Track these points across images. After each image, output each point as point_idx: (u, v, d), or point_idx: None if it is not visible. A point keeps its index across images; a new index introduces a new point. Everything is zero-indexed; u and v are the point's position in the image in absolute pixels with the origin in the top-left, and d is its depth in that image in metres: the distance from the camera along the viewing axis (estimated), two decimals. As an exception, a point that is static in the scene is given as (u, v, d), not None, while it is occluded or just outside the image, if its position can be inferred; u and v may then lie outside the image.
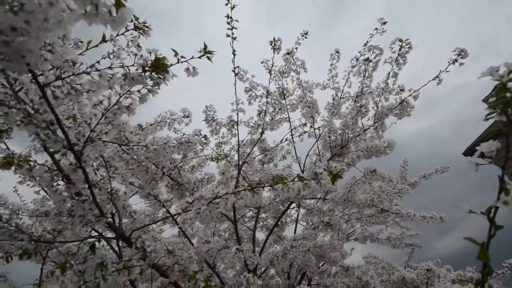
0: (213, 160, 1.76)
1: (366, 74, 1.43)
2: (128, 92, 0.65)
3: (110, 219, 0.87)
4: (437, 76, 1.54)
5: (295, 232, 2.27)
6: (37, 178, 0.74)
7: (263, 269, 1.70)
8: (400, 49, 1.31)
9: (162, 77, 0.66)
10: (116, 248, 1.42)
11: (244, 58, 1.79)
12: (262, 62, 1.86)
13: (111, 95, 0.64)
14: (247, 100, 1.69)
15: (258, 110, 1.94)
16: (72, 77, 0.56)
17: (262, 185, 0.90)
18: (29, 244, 0.84)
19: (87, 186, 0.71)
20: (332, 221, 1.91)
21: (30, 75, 0.52)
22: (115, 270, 0.98)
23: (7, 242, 0.84)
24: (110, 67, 0.62)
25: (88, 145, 0.66)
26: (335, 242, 1.77)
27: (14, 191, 2.36)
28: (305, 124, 2.35)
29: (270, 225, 2.49)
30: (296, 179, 0.89)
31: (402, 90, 1.52)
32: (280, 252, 1.49)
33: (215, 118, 1.54)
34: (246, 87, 1.69)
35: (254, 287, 1.19)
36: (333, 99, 1.67)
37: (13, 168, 1.06)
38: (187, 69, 0.72)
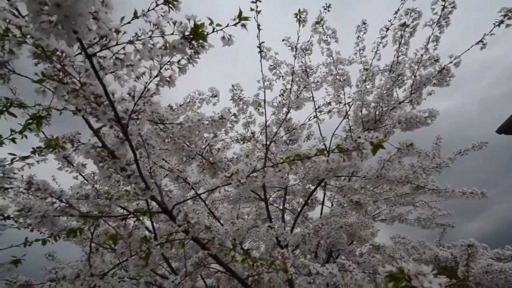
0: (239, 142, 1.75)
1: (402, 41, 1.33)
2: (168, 63, 0.64)
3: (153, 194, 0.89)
4: (481, 40, 1.40)
5: (321, 214, 2.26)
6: (84, 155, 0.76)
7: (292, 247, 1.71)
8: (442, 10, 1.19)
9: (201, 46, 0.64)
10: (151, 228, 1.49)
11: (264, 39, 1.72)
12: (283, 40, 1.79)
13: (152, 67, 0.63)
14: (271, 79, 1.65)
15: (282, 90, 1.89)
16: (116, 46, 0.56)
17: (301, 158, 0.88)
18: (78, 219, 0.88)
19: (133, 159, 0.73)
20: (361, 200, 1.88)
21: (77, 44, 0.52)
22: (158, 243, 1.02)
23: (59, 218, 0.89)
24: (150, 37, 0.61)
25: (132, 119, 0.66)
26: (366, 220, 1.74)
27: (53, 180, 2.52)
28: (329, 103, 2.27)
29: (296, 208, 2.50)
30: (336, 150, 0.86)
31: (436, 60, 1.41)
32: (312, 230, 1.49)
33: (241, 97, 1.51)
34: (270, 65, 1.64)
35: (289, 261, 1.19)
36: (366, 69, 1.57)
37: (55, 150, 1.11)
38: (223, 37, 0.70)
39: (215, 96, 1.32)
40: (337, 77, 1.45)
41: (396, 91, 1.38)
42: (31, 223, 0.86)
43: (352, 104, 1.51)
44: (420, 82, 1.27)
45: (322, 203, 2.26)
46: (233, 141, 1.86)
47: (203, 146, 1.23)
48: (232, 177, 0.85)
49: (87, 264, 1.06)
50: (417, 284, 0.37)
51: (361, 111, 1.39)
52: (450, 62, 1.32)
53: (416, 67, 1.29)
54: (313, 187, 1.55)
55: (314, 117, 2.12)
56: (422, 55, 1.29)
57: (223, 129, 1.35)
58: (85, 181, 1.75)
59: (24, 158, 0.88)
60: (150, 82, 0.65)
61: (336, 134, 2.10)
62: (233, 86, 1.47)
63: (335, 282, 1.24)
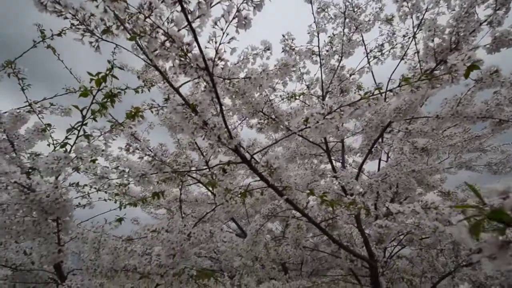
0: (292, 98, 1.72)
1: None
2: (245, 1, 0.62)
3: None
4: None
5: (378, 169, 2.18)
6: (172, 112, 0.82)
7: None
8: None
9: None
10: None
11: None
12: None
13: (230, 7, 0.62)
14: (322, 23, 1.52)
15: (330, 37, 1.75)
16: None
17: (381, 91, 0.82)
18: (172, 174, 0.98)
19: (219, 109, 0.76)
20: (428, 145, 1.75)
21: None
22: (240, 193, 1.10)
23: (158, 174, 1.01)
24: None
25: (216, 65, 0.68)
26: (437, 164, 1.63)
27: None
28: (382, 45, 2.06)
29: (351, 163, 2.45)
30: (422, 77, 0.78)
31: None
32: (379, 177, 1.45)
33: (293, 47, 1.45)
34: (318, 8, 1.51)
35: (360, 205, 1.19)
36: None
37: (136, 120, 1.21)
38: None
39: (268, 49, 1.28)
40: (403, 3, 1.27)
41: (475, 10, 1.17)
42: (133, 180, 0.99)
43: (420, 32, 1.32)
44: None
45: (379, 161, 2.18)
46: (283, 99, 1.83)
47: (264, 102, 1.23)
48: (309, 120, 0.85)
49: (178, 219, 1.20)
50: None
51: (432, 40, 1.23)
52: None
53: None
54: (376, 135, 1.48)
55: (367, 63, 1.96)
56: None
57: (282, 81, 1.33)
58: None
59: (120, 124, 0.98)
60: (229, 25, 0.64)
61: (392, 79, 1.93)
62: (283, 36, 1.41)
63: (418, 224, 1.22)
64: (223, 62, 0.69)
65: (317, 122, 0.82)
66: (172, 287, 1.24)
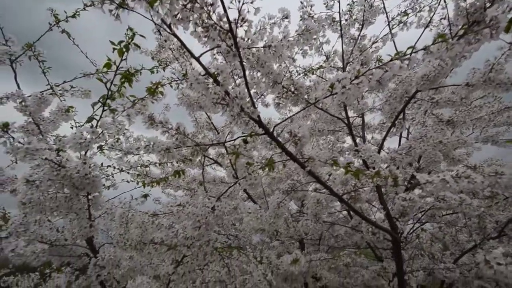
0: (309, 72, 1.66)
1: None
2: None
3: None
4: None
5: (399, 143, 2.12)
6: (193, 83, 0.80)
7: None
8: None
9: None
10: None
11: None
12: None
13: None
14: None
15: (349, 4, 1.65)
16: None
17: (414, 50, 0.77)
18: (195, 148, 0.98)
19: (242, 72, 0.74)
20: (454, 117, 1.66)
21: None
22: (260, 167, 1.10)
23: (181, 148, 1.01)
24: None
25: (241, 27, 0.65)
26: (464, 137, 1.55)
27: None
28: (405, 12, 1.94)
29: (369, 139, 2.39)
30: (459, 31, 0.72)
31: None
32: (404, 150, 1.41)
33: (312, 15, 1.37)
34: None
35: (387, 173, 1.16)
36: None
37: (156, 95, 1.21)
38: None
39: (286, 18, 1.22)
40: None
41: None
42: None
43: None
44: None
45: (400, 138, 2.11)
46: (300, 74, 1.78)
47: (283, 74, 1.20)
48: (334, 86, 0.81)
49: (201, 194, 1.22)
50: None
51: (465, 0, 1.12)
52: None
53: None
54: (400, 107, 1.42)
55: (389, 32, 1.85)
56: None
57: (301, 51, 1.28)
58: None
59: (141, 99, 0.98)
60: (252, -19, 0.60)
61: (416, 47, 1.81)
62: (302, 2, 1.33)
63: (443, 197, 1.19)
64: (246, 24, 0.66)
65: (344, 87, 0.79)
66: (198, 258, 1.29)
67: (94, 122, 0.87)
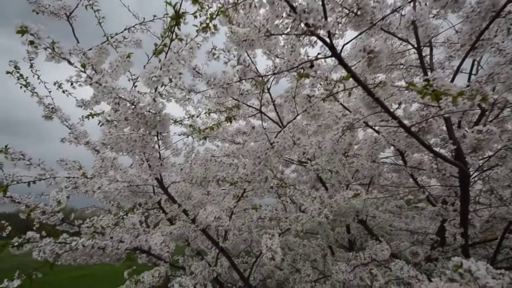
0: None
1: None
2: None
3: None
4: None
5: (468, 79, 1.85)
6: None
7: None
8: None
9: None
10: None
11: None
12: None
13: None
14: None
15: None
16: None
17: None
18: (257, 78, 0.97)
19: None
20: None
21: None
22: (322, 98, 1.05)
23: (242, 80, 1.01)
24: None
25: None
26: None
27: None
28: None
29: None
30: None
31: None
32: (483, 77, 1.22)
33: None
34: None
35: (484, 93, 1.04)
36: None
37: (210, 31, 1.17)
38: None
39: None
40: None
41: None
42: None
43: None
44: None
45: (470, 75, 1.83)
46: None
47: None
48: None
49: (259, 128, 1.23)
50: None
51: None
52: None
53: None
54: (484, 24, 1.18)
55: None
56: None
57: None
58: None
59: (204, 28, 0.97)
60: None
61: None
62: None
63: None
64: None
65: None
66: (258, 191, 1.38)
67: (162, 56, 0.88)
